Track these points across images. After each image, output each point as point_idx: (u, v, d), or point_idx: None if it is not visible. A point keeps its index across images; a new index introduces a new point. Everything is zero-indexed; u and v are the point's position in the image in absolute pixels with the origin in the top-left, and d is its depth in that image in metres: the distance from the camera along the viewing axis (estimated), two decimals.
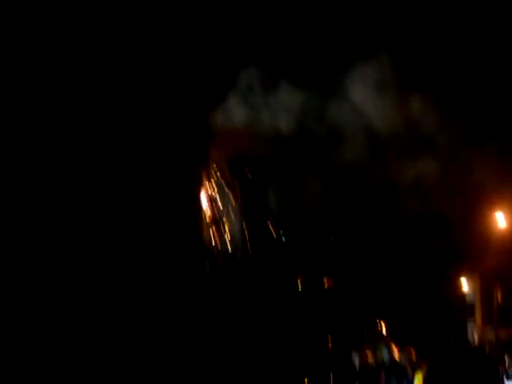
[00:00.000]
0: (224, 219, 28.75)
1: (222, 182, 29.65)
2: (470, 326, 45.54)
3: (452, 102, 28.36)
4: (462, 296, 47.06)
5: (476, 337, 43.69)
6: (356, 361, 32.85)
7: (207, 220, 26.60)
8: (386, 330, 48.79)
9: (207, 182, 26.30)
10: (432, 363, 22.41)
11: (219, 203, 28.59)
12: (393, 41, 27.94)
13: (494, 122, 30.01)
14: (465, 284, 46.36)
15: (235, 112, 27.05)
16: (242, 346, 22.83)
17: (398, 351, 38.05)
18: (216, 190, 28.15)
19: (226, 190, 30.59)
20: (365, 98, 27.14)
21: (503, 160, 30.70)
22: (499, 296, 41.82)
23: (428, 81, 27.75)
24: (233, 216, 30.55)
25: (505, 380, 26.93)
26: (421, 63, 28.04)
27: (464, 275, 45.91)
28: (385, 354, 36.42)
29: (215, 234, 27.35)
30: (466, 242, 38.25)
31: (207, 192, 26.32)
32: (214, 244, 26.56)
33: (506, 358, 34.26)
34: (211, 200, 27.32)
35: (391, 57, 27.42)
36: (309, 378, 25.41)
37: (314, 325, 27.48)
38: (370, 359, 34.94)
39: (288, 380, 24.21)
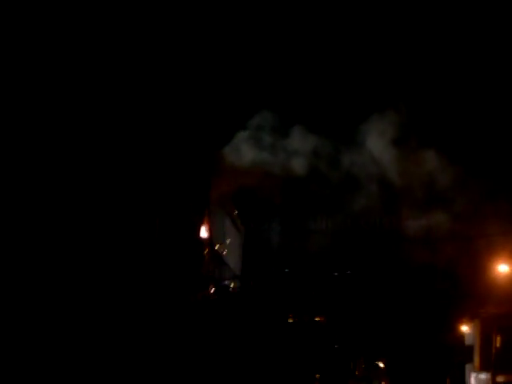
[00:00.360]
0: (224, 252, 29.22)
1: (226, 216, 30.15)
2: (468, 368, 45.85)
3: (464, 157, 28.78)
4: (462, 340, 47.39)
5: (473, 380, 43.96)
6: None
7: (207, 251, 26.90)
8: (382, 369, 49.20)
9: (209, 216, 26.63)
10: None
11: (221, 236, 29.08)
12: (411, 95, 28.40)
13: (505, 178, 30.45)
14: (465, 328, 46.70)
15: (244, 150, 27.42)
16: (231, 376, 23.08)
17: None
18: (219, 224, 28.61)
19: (230, 224, 31.10)
20: (379, 148, 27.52)
21: (508, 212, 31.12)
22: (498, 341, 42.07)
23: (442, 136, 28.19)
24: (233, 249, 31.10)
25: None
26: (436, 119, 28.50)
27: (465, 320, 46.28)
28: None
29: (214, 266, 27.68)
30: (469, 288, 38.64)
31: (209, 225, 26.68)
32: (212, 275, 26.85)
33: None
34: (212, 233, 27.66)
35: (408, 110, 27.85)
36: None
37: (302, 361, 27.74)
38: None
39: None
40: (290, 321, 28.71)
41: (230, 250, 30.70)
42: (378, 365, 49.71)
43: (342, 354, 40.21)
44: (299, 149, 27.32)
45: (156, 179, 21.56)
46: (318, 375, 28.55)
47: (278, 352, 25.41)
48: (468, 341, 46.08)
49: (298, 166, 27.42)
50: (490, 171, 30.03)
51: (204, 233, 25.78)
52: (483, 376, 42.77)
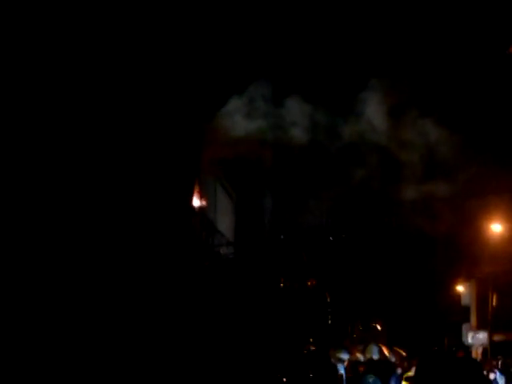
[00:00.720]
0: (217, 219, 29.26)
1: (217, 183, 30.13)
2: (465, 328, 46.20)
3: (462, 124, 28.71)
4: (458, 300, 47.67)
5: (470, 339, 44.32)
6: (345, 357, 33.48)
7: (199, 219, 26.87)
8: (379, 330, 49.55)
9: (200, 184, 26.56)
10: (422, 364, 22.75)
11: (213, 204, 29.06)
12: (409, 62, 28.20)
13: (492, 133, 30.46)
14: (461, 289, 46.98)
15: (238, 118, 27.35)
16: (223, 342, 23.18)
17: (388, 351, 38.62)
18: (211, 191, 28.60)
19: (221, 191, 31.09)
20: (378, 116, 27.41)
21: (501, 172, 31.15)
22: (494, 300, 42.34)
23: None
24: (225, 216, 31.14)
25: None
26: (435, 84, 28.37)
27: (461, 280, 46.53)
28: (374, 353, 36.99)
29: (206, 233, 27.68)
30: (464, 248, 38.82)
31: (200, 193, 26.63)
32: (205, 242, 26.88)
33: (500, 359, 34.79)
34: (204, 200, 27.61)
35: (407, 77, 27.68)
36: (287, 378, 25.67)
37: (294, 325, 27.86)
38: (359, 357, 35.53)
39: (266, 379, 24.45)
40: (282, 285, 28.84)
41: (222, 216, 30.74)
42: (375, 327, 50.02)
43: (338, 317, 40.46)
44: (295, 118, 27.24)
45: (142, 147, 21.53)
46: (311, 339, 28.76)
47: (270, 317, 25.53)
48: (464, 301, 46.40)
49: (294, 135, 27.35)
50: (487, 137, 29.96)
51: (196, 201, 25.82)
52: (480, 335, 43.14)
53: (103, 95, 20.50)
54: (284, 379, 24.72)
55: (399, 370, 27.88)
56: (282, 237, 35.28)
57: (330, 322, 33.17)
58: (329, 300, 34.31)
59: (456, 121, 27.93)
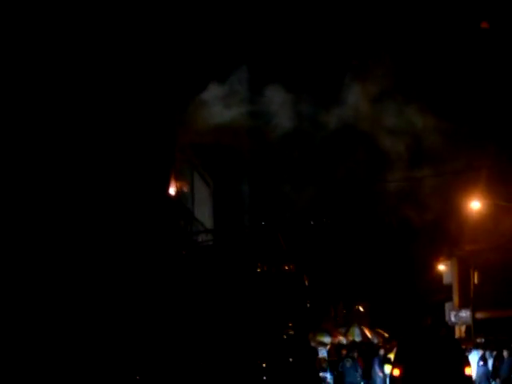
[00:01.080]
0: (194, 208, 29.06)
1: (194, 171, 29.93)
2: (447, 307, 46.25)
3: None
4: (440, 279, 47.73)
5: (453, 318, 44.36)
6: (327, 341, 33.41)
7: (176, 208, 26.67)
8: (362, 312, 49.62)
9: (177, 172, 26.30)
10: (401, 344, 22.84)
11: (190, 192, 28.84)
12: (393, 46, 27.99)
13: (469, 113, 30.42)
14: (442, 268, 47.02)
15: (217, 104, 27.04)
16: (201, 329, 23.08)
17: (370, 333, 38.61)
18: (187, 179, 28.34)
19: (198, 179, 30.88)
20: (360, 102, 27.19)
21: (481, 152, 31.11)
22: (476, 278, 42.41)
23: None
24: (203, 203, 30.97)
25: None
26: (420, 70, 28.21)
27: (442, 259, 46.57)
28: (356, 335, 36.96)
29: (184, 221, 27.49)
30: (444, 226, 38.73)
31: (176, 181, 26.37)
32: (182, 230, 26.71)
33: (482, 338, 34.92)
34: (182, 189, 27.38)
35: (391, 63, 27.48)
36: (267, 363, 25.57)
37: (272, 310, 27.73)
38: (341, 339, 35.50)
39: (245, 364, 24.37)
40: (259, 270, 28.72)
41: (200, 204, 30.57)
42: (358, 309, 50.08)
43: (319, 300, 40.48)
44: (274, 105, 26.94)
45: (116, 138, 21.32)
46: (290, 323, 28.67)
47: (248, 303, 25.43)
48: (446, 279, 46.42)
49: (273, 122, 27.06)
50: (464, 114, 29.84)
51: (172, 190, 25.61)
52: (463, 314, 43.15)
53: (74, 84, 20.32)
54: (263, 364, 24.68)
55: (382, 352, 27.86)
56: (262, 223, 35.17)
57: (308, 305, 33.10)
58: (307, 284, 34.22)
59: (431, 98, 27.85)
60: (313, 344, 29.68)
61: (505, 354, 26.94)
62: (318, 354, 27.40)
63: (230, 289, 24.21)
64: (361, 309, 49.70)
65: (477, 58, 29.60)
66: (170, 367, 20.32)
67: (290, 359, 25.42)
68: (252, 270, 27.81)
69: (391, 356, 25.25)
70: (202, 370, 21.34)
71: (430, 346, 21.14)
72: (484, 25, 27.40)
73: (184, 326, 21.42)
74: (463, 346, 24.81)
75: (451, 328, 43.04)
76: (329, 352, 31.00)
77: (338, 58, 28.29)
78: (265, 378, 24.82)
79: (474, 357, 24.56)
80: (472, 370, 21.65)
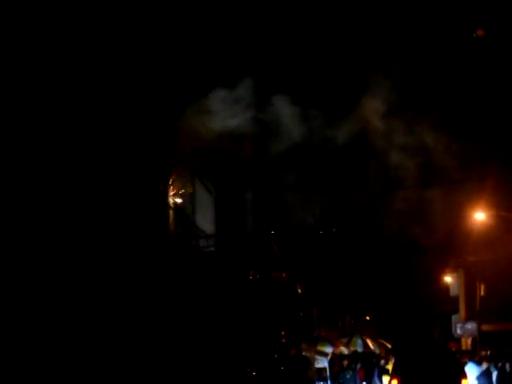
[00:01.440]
0: (196, 214, 28.98)
1: (197, 179, 29.87)
2: (454, 319, 46.02)
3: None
4: (447, 291, 47.48)
5: (459, 330, 44.14)
6: (329, 351, 33.23)
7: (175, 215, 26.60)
8: (370, 323, 49.35)
9: (179, 180, 26.23)
10: (399, 355, 22.83)
11: (192, 199, 28.78)
12: (403, 58, 27.86)
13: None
14: (449, 279, 46.79)
15: (220, 110, 26.92)
16: (193, 336, 23.01)
17: (373, 343, 38.40)
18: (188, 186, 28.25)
19: (200, 186, 30.81)
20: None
21: (486, 165, 30.99)
22: (482, 290, 42.21)
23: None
24: (205, 211, 30.91)
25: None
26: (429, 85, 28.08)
27: (448, 271, 46.34)
28: (359, 345, 36.79)
29: (183, 228, 27.42)
30: (450, 238, 38.55)
31: (177, 188, 26.29)
32: (181, 237, 26.64)
33: (489, 349, 34.67)
34: (182, 196, 27.30)
35: (401, 76, 27.34)
36: (257, 371, 25.42)
37: (264, 318, 27.61)
38: (343, 350, 35.32)
39: (235, 371, 24.27)
40: (251, 278, 28.57)
41: (201, 211, 30.49)
42: (365, 319, 49.91)
43: (325, 309, 40.38)
44: (281, 115, 26.82)
45: (116, 142, 21.29)
46: (283, 332, 28.51)
47: (240, 311, 25.32)
48: (453, 291, 46.22)
49: (280, 132, 26.95)
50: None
51: (171, 196, 25.56)
52: (469, 326, 42.96)
53: (75, 86, 20.32)
54: (254, 373, 24.51)
55: (382, 362, 27.68)
56: (272, 232, 35.10)
57: (301, 314, 32.92)
58: (300, 292, 34.04)
59: (438, 111, 27.71)
60: (312, 354, 29.49)
61: (507, 366, 26.69)
62: (310, 364, 27.21)
63: (223, 296, 24.15)
64: (368, 319, 49.58)
65: (473, 70, 29.50)
66: (159, 374, 20.27)
67: (282, 368, 25.27)
68: (244, 278, 27.72)
69: (389, 367, 25.08)
70: (192, 377, 21.26)
71: (426, 358, 21.05)
72: (480, 32, 27.26)
73: (175, 333, 21.37)
74: (464, 360, 24.68)
75: (457, 340, 42.85)
76: (330, 362, 30.80)
77: (347, 70, 28.21)
78: None
79: (470, 369, 24.31)
80: (468, 383, 21.44)
